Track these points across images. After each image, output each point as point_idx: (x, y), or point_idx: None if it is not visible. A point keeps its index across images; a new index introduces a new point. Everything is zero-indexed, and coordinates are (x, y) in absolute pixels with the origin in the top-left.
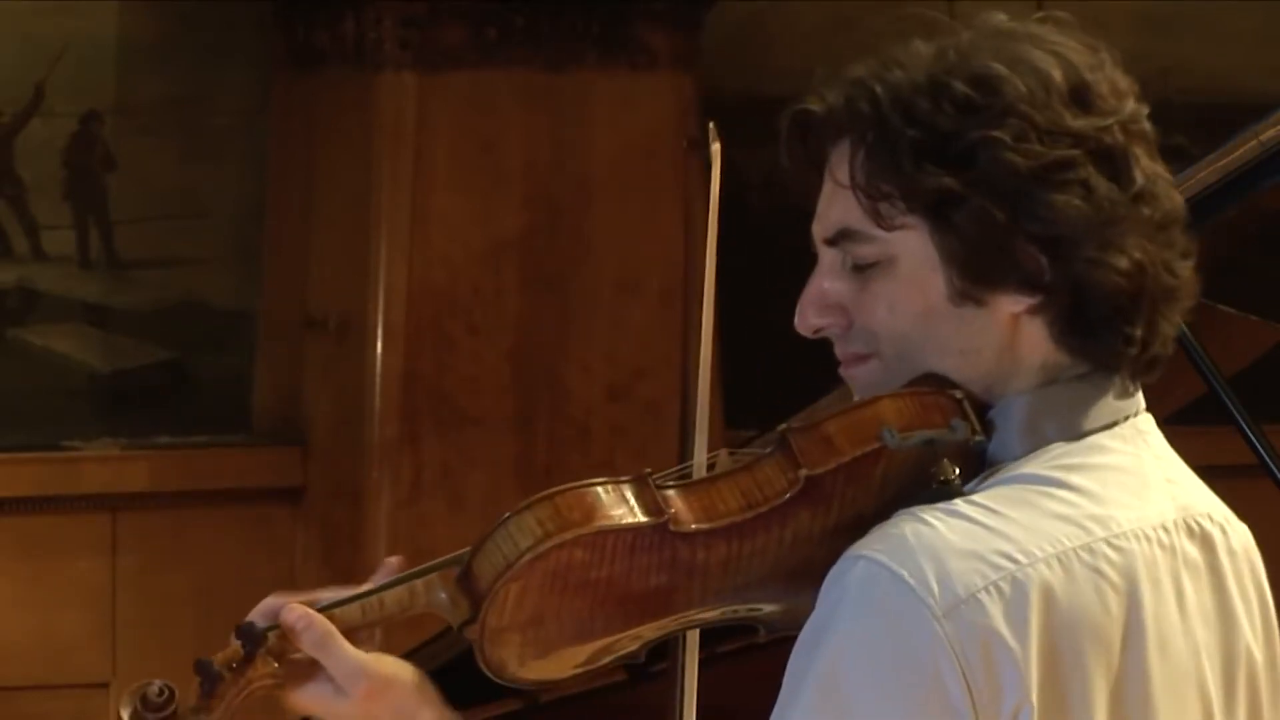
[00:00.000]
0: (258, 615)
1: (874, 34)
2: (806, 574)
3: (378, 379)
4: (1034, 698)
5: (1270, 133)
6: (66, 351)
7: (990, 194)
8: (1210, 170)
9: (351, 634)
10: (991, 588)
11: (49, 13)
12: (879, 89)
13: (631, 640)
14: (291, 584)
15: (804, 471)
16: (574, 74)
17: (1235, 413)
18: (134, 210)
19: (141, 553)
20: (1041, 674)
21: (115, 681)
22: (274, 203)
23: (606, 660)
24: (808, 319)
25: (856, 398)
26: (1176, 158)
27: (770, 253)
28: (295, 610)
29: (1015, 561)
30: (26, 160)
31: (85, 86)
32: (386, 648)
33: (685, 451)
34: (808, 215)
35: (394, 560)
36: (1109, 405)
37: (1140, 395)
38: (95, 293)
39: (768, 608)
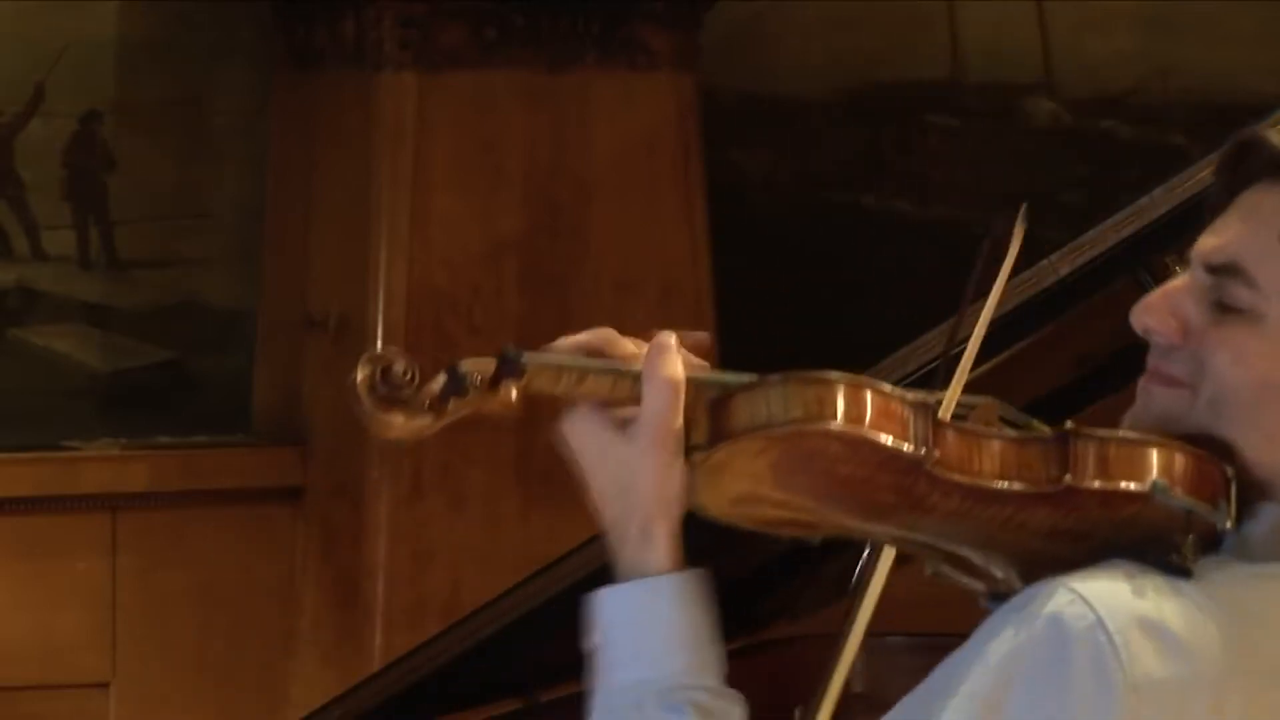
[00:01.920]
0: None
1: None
2: (1008, 554)
3: None
4: None
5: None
6: (66, 351)
7: None
8: (1209, 171)
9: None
10: (1185, 683)
11: (49, 13)
12: None
13: (817, 527)
14: (291, 584)
15: (1068, 479)
16: (574, 74)
17: None
18: (134, 210)
19: (141, 553)
20: None
21: (115, 681)
22: (274, 203)
23: (783, 530)
24: (1146, 320)
25: (1135, 414)
26: (1176, 158)
27: (770, 252)
28: (668, 338)
29: (1216, 672)
30: (26, 160)
31: (85, 86)
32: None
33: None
34: (806, 215)
35: (703, 335)
36: None
37: None
38: (95, 293)
39: (947, 559)
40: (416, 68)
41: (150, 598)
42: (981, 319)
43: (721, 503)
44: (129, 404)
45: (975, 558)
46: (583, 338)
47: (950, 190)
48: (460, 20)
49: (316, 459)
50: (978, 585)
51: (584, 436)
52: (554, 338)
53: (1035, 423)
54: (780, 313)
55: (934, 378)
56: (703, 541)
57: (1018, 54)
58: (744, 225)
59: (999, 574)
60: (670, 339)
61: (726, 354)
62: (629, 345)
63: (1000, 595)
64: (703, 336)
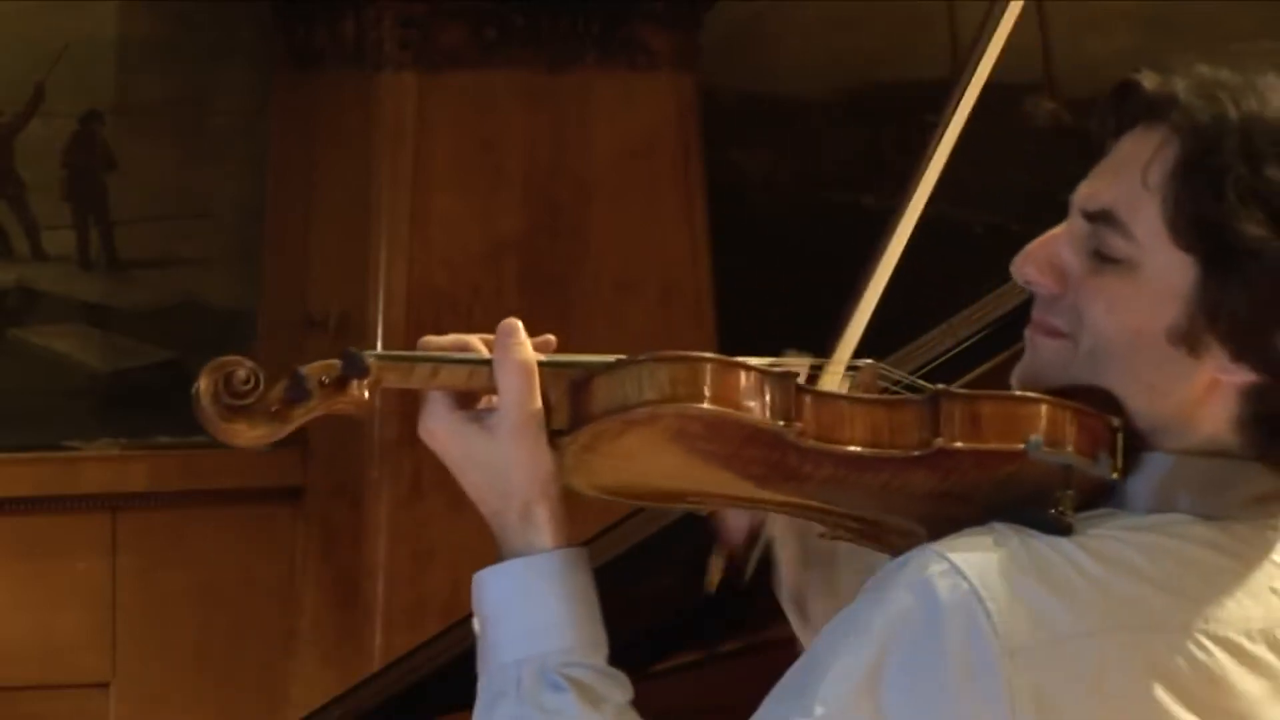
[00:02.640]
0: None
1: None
2: (902, 514)
3: None
4: None
5: None
6: (66, 351)
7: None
8: None
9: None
10: (1063, 645)
11: (49, 13)
12: (1231, 112)
13: (703, 500)
14: (291, 584)
15: (939, 441)
16: (574, 74)
17: None
18: (134, 210)
19: (141, 553)
20: None
21: (115, 681)
22: (274, 203)
23: (674, 506)
24: (1026, 270)
25: (1023, 365)
26: None
27: (770, 252)
28: (513, 322)
29: (1090, 629)
30: (26, 160)
31: (85, 86)
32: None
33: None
34: (806, 215)
35: (549, 338)
36: (1254, 496)
37: None
38: (95, 293)
39: (841, 525)
40: (416, 68)
41: (150, 598)
42: (872, 286)
43: (596, 483)
44: (129, 404)
45: (869, 524)
46: (443, 341)
47: (950, 190)
48: (460, 20)
49: (316, 459)
50: (883, 550)
51: (445, 437)
52: (554, 338)
53: (920, 384)
54: (780, 313)
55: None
56: (701, 543)
57: (1018, 54)
58: (744, 225)
59: (904, 535)
60: (516, 324)
61: (725, 352)
62: (485, 350)
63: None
64: (549, 339)
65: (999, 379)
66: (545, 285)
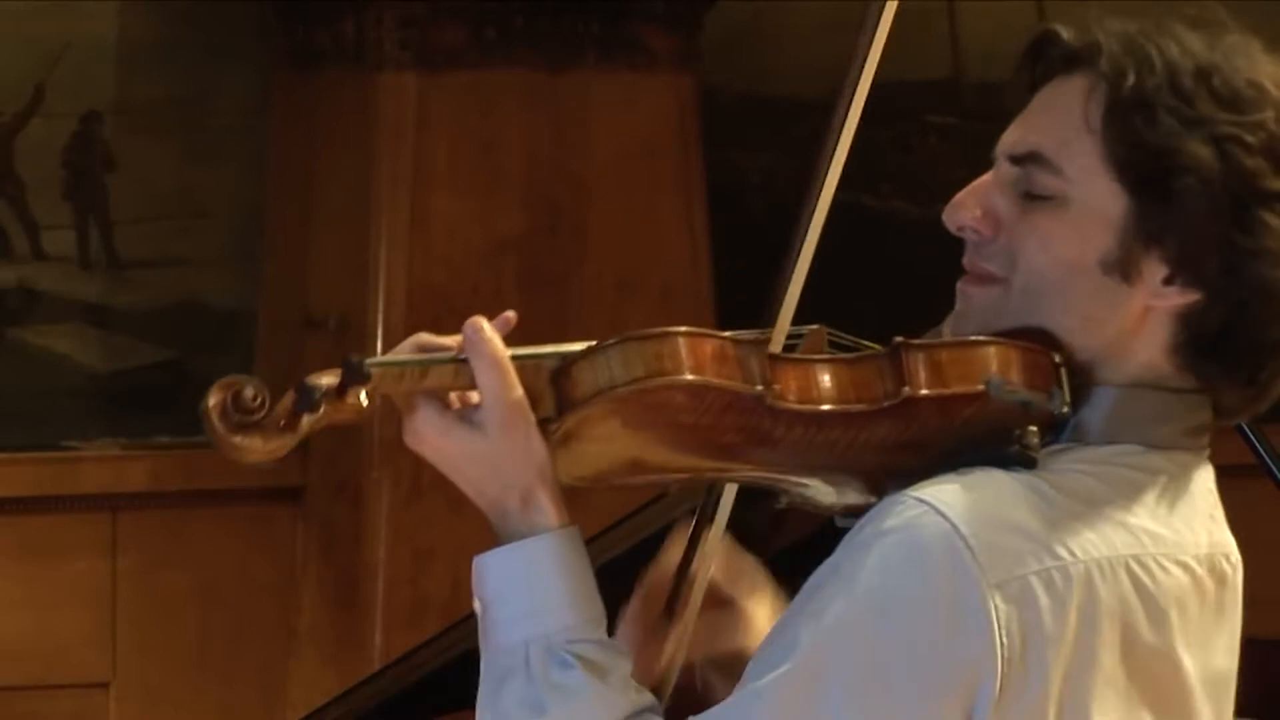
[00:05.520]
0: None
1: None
2: (856, 473)
3: None
4: (1053, 691)
5: None
6: (66, 351)
7: (1218, 189)
8: None
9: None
10: (1044, 575)
11: (49, 13)
12: (1153, 52)
13: (673, 474)
14: (291, 584)
15: (906, 390)
16: (574, 74)
17: None
18: (134, 210)
19: (141, 553)
20: (1064, 670)
21: (115, 681)
22: (274, 203)
23: (639, 483)
24: (958, 216)
25: (956, 316)
26: None
27: (769, 253)
28: (477, 320)
29: (1070, 555)
30: (26, 160)
31: (85, 86)
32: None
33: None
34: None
35: (509, 315)
36: (1194, 427)
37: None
38: (95, 293)
39: (799, 486)
40: (416, 68)
41: (150, 598)
42: (797, 270)
43: (578, 469)
44: (129, 404)
45: (826, 482)
46: (405, 344)
47: (950, 190)
48: (460, 20)
49: (316, 459)
50: (833, 506)
51: (436, 437)
52: (554, 338)
53: (867, 344)
54: None
55: None
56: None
57: (1018, 54)
58: (744, 226)
59: (851, 494)
60: (480, 320)
61: None
62: (449, 341)
63: (853, 513)
64: (509, 316)
65: None
66: (545, 285)
